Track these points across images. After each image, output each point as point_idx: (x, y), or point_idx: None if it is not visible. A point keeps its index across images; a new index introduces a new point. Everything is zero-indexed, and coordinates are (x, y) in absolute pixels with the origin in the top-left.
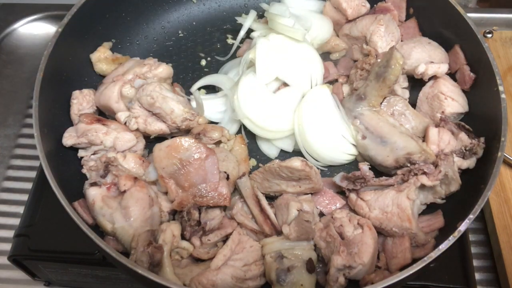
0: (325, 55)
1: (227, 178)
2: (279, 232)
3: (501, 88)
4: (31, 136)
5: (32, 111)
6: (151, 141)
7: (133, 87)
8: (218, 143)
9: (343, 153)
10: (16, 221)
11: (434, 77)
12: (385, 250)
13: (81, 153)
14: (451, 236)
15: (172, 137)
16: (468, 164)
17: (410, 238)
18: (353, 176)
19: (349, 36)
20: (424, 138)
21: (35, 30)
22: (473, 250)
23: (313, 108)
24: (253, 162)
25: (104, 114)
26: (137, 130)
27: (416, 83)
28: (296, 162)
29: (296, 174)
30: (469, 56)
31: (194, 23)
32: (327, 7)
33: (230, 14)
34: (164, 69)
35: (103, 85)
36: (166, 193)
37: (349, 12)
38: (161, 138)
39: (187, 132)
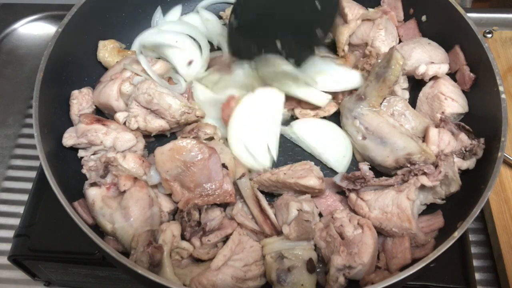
0: None
1: (226, 168)
2: (279, 232)
3: (501, 88)
4: (31, 136)
5: (32, 111)
6: (150, 141)
7: (132, 84)
8: (209, 139)
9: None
10: (16, 221)
11: (434, 78)
12: (385, 250)
13: (81, 153)
14: (451, 236)
15: (172, 133)
16: (468, 165)
17: (410, 238)
18: (353, 176)
19: (350, 44)
20: (424, 138)
21: (35, 30)
22: (473, 250)
23: None
24: None
25: (102, 113)
26: (138, 129)
27: (416, 83)
28: (313, 181)
29: (311, 191)
30: (469, 56)
31: None
32: None
33: None
34: (162, 66)
35: (101, 84)
36: (169, 195)
37: (349, 17)
38: (160, 138)
39: (186, 125)
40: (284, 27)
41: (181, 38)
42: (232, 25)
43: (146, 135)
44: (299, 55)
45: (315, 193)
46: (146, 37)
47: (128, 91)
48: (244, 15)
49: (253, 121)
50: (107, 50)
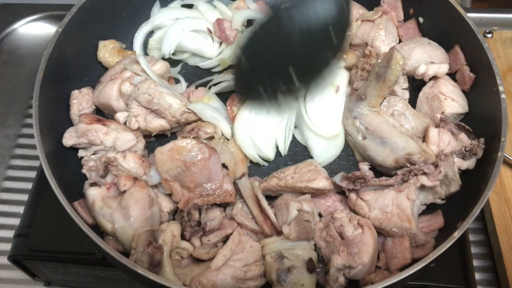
0: None
1: (226, 168)
2: (279, 232)
3: (501, 88)
4: (31, 136)
5: (32, 111)
6: (150, 141)
7: (132, 84)
8: (210, 138)
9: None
10: (16, 221)
11: (434, 78)
12: (385, 250)
13: (81, 153)
14: (451, 236)
15: (172, 133)
16: (468, 165)
17: (410, 238)
18: (353, 176)
19: (350, 44)
20: (424, 138)
21: (35, 30)
22: (473, 250)
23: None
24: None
25: (102, 113)
26: (138, 129)
27: (416, 83)
28: (323, 183)
29: (320, 192)
30: (469, 56)
31: None
32: None
33: None
34: (162, 66)
35: (101, 84)
36: (169, 195)
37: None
38: (160, 138)
39: (186, 125)
40: (296, 59)
41: (185, 25)
42: (241, 61)
43: (146, 135)
44: (310, 79)
45: (322, 193)
46: (164, 48)
47: (128, 91)
48: (255, 52)
49: (263, 113)
50: (107, 50)
